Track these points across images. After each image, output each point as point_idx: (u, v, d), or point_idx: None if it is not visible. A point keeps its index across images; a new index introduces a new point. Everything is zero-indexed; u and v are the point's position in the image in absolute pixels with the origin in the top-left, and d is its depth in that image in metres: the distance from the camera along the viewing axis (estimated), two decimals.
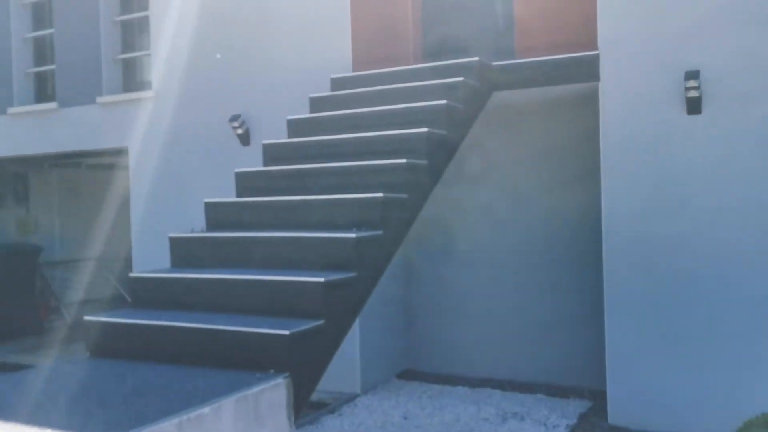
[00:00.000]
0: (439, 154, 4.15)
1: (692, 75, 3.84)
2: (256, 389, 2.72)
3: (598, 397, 4.96)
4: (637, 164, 4.26)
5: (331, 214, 3.71)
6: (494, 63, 4.83)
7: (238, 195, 4.23)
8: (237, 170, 4.28)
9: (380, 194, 3.57)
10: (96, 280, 8.38)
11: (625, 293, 4.34)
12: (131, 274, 3.67)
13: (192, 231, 3.93)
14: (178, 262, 3.84)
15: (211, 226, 4.05)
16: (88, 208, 8.10)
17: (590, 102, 4.76)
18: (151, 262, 5.23)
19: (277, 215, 3.89)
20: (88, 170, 9.17)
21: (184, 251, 3.84)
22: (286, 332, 2.89)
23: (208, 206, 4.08)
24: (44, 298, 8.38)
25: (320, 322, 3.09)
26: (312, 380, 3.08)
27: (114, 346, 3.31)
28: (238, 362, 2.98)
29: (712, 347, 4.12)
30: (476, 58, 4.64)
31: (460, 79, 4.43)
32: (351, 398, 5.17)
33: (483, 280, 5.64)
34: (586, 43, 4.67)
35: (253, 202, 4.03)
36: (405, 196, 3.76)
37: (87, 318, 3.39)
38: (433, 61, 5.19)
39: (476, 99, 4.66)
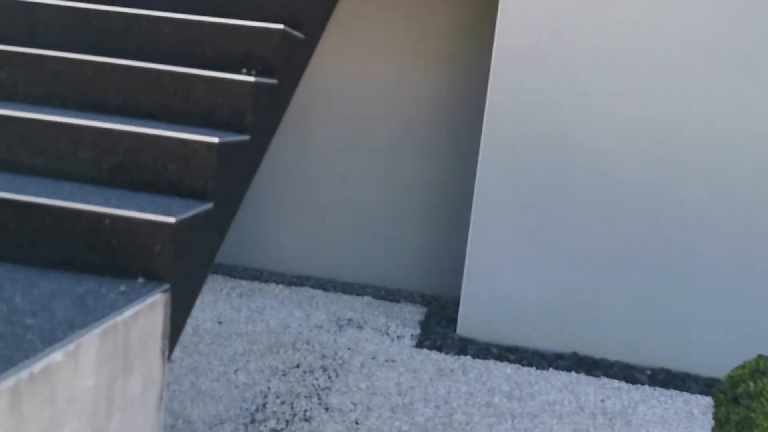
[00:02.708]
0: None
1: None
2: (127, 313, 1.64)
3: (429, 303, 4.59)
4: (531, 49, 3.73)
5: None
6: None
7: None
8: None
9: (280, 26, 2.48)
10: None
11: (497, 188, 3.90)
12: None
13: None
14: None
15: None
16: None
17: None
18: None
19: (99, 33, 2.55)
20: None
21: None
22: (172, 219, 1.80)
23: None
24: None
25: (210, 204, 2.03)
26: (193, 292, 2.05)
27: None
28: (80, 263, 1.82)
29: (581, 251, 3.93)
30: None
31: None
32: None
33: (308, 164, 4.80)
34: None
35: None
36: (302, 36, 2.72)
37: None
38: None
39: None
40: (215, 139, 2.01)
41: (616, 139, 3.79)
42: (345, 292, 4.62)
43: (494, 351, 3.88)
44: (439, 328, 4.11)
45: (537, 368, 3.74)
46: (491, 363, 3.75)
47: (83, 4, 2.44)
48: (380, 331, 4.02)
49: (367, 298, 4.56)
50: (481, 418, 3.11)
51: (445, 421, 3.05)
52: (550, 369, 3.75)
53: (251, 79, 2.23)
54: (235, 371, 3.29)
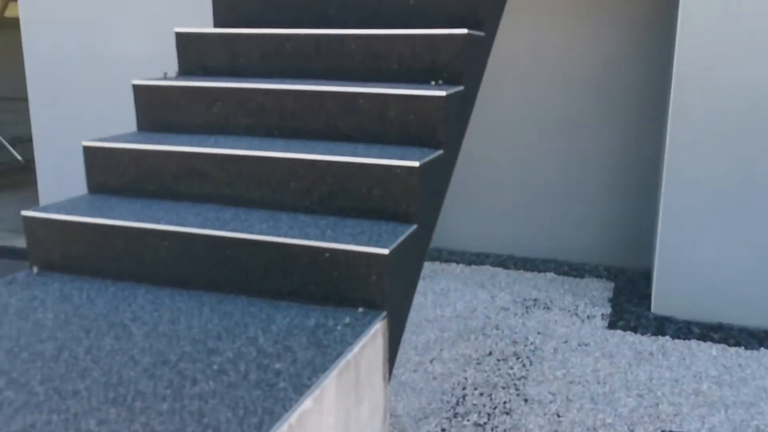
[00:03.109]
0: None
1: None
2: (356, 348, 1.74)
3: (616, 278, 4.42)
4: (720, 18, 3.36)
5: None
6: None
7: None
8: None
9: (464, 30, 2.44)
10: None
11: (691, 151, 3.62)
12: (85, 143, 2.39)
13: (165, 76, 2.63)
14: (146, 124, 2.58)
15: (186, 69, 2.75)
16: None
17: None
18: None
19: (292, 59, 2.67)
20: None
21: (152, 106, 2.57)
22: (385, 250, 1.88)
23: (182, 38, 2.75)
24: None
25: (414, 226, 2.09)
26: (404, 314, 2.13)
27: (77, 255, 2.14)
28: (305, 294, 1.95)
29: None
30: None
31: None
32: None
33: (481, 142, 4.75)
34: None
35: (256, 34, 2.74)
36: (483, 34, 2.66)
37: (26, 213, 2.17)
38: None
39: None
40: (416, 163, 2.04)
41: None
42: (526, 269, 4.57)
43: (696, 330, 3.67)
44: (632, 306, 3.95)
45: (746, 348, 3.49)
46: (693, 344, 3.55)
47: (277, 30, 2.54)
48: (569, 311, 3.95)
49: (550, 275, 4.49)
50: (691, 408, 2.97)
51: (651, 412, 2.95)
52: (762, 349, 3.48)
53: (442, 93, 2.22)
54: (431, 361, 3.39)
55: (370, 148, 2.23)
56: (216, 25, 2.96)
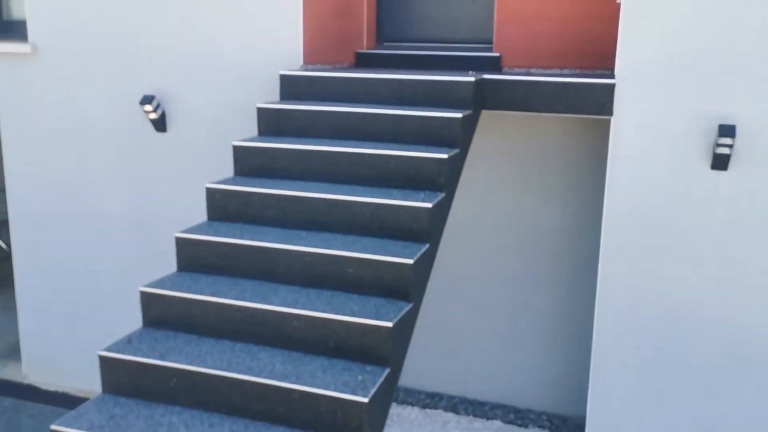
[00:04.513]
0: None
1: (727, 131, 3.77)
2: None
3: (558, 428, 4.92)
4: (645, 215, 4.13)
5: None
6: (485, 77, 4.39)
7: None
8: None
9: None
10: None
11: (617, 337, 4.28)
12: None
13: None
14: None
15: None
16: None
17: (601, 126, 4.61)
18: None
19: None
20: None
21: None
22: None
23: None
24: None
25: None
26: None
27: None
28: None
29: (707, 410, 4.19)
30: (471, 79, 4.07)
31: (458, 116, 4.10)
32: None
33: (442, 288, 5.38)
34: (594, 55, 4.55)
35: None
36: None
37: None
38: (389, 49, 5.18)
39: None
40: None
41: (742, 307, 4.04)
42: (476, 415, 5.05)
43: None
44: None
45: None
46: None
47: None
48: None
49: (497, 423, 4.96)
50: None
51: None
52: None
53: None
54: None
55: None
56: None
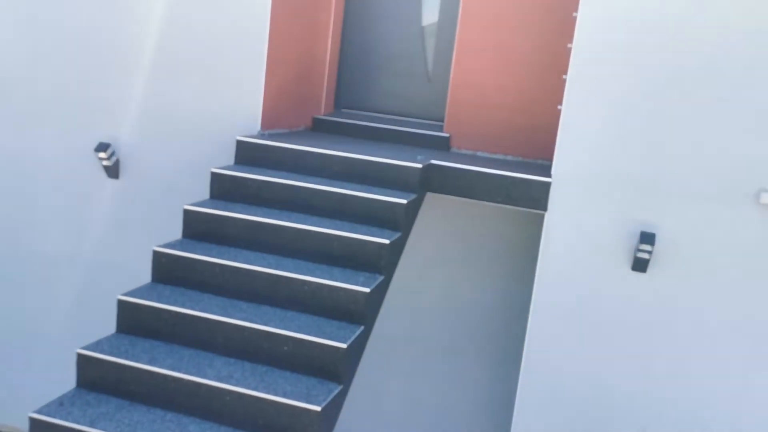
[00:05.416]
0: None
1: (648, 239, 4.10)
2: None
3: None
4: (569, 307, 4.40)
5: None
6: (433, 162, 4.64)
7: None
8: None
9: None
10: None
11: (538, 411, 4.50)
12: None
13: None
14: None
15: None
16: None
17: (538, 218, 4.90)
18: None
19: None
20: None
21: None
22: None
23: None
24: None
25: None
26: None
27: None
28: None
29: None
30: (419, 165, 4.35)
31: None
32: None
33: (374, 355, 5.53)
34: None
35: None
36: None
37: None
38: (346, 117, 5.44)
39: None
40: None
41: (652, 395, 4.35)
42: None
43: None
44: None
45: None
46: None
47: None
48: None
49: None
50: None
51: None
52: None
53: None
54: None
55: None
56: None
